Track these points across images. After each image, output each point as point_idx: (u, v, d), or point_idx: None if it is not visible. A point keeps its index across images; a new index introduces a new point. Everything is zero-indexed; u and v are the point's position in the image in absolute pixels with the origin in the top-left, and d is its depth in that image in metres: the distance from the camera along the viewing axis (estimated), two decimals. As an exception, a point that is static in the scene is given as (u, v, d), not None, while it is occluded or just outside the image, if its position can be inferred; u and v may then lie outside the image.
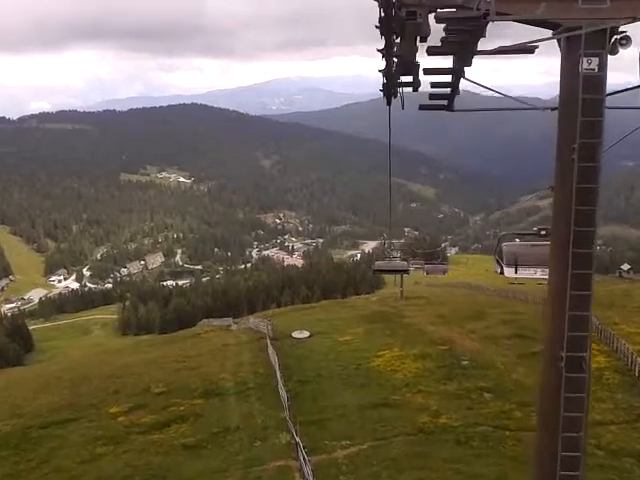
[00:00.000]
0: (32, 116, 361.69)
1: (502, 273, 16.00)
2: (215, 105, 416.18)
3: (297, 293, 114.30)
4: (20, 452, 25.22)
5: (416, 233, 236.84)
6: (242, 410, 26.77)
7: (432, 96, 6.38)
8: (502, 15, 5.03)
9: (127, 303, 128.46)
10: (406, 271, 48.58)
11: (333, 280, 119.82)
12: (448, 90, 6.33)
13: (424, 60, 5.70)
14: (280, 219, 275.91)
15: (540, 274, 14.42)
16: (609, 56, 5.16)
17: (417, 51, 5.47)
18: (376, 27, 5.23)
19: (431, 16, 5.09)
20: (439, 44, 5.39)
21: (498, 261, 16.26)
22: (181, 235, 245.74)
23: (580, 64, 5.14)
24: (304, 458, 18.26)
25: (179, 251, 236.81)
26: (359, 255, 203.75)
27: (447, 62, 5.85)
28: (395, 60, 5.87)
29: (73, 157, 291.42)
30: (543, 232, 10.36)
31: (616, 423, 22.24)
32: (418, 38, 5.23)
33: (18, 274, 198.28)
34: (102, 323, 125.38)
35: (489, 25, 5.10)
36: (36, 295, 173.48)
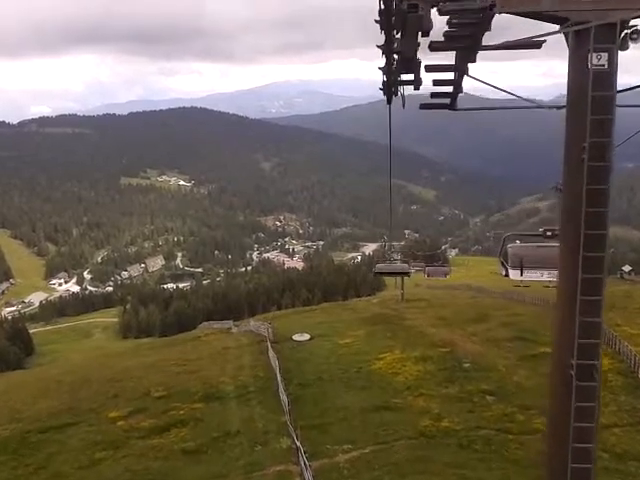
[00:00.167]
0: (32, 120, 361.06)
1: (507, 275, 15.55)
2: (215, 108, 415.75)
3: (298, 296, 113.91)
4: (18, 457, 25.00)
5: (416, 235, 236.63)
6: (242, 414, 26.59)
7: (434, 94, 6.14)
8: (508, 7, 4.84)
9: (128, 306, 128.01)
10: (407, 273, 48.22)
11: (334, 282, 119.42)
12: (450, 88, 6.06)
13: (425, 57, 5.51)
14: (280, 222, 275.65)
15: (547, 276, 14.10)
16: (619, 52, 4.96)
17: (418, 47, 5.26)
18: (375, 21, 5.04)
19: (433, 11, 4.89)
20: (442, 39, 5.16)
21: (503, 263, 15.76)
22: (181, 238, 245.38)
23: (589, 60, 4.94)
24: (305, 463, 18.09)
25: (179, 254, 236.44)
26: (360, 257, 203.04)
27: (449, 59, 5.65)
28: (395, 57, 5.67)
29: (73, 161, 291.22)
30: (549, 233, 10.09)
31: (620, 426, 22.13)
32: (419, 33, 5.03)
33: (19, 277, 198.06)
34: (103, 326, 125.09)
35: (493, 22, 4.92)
36: (37, 298, 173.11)
